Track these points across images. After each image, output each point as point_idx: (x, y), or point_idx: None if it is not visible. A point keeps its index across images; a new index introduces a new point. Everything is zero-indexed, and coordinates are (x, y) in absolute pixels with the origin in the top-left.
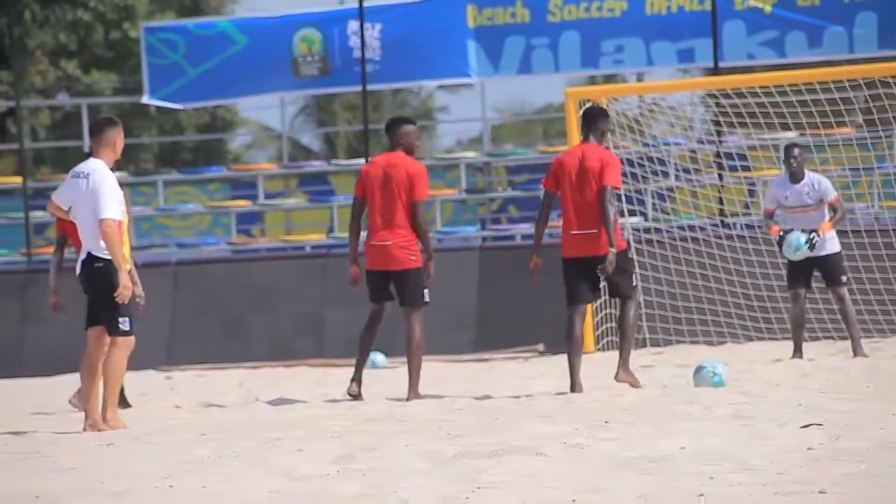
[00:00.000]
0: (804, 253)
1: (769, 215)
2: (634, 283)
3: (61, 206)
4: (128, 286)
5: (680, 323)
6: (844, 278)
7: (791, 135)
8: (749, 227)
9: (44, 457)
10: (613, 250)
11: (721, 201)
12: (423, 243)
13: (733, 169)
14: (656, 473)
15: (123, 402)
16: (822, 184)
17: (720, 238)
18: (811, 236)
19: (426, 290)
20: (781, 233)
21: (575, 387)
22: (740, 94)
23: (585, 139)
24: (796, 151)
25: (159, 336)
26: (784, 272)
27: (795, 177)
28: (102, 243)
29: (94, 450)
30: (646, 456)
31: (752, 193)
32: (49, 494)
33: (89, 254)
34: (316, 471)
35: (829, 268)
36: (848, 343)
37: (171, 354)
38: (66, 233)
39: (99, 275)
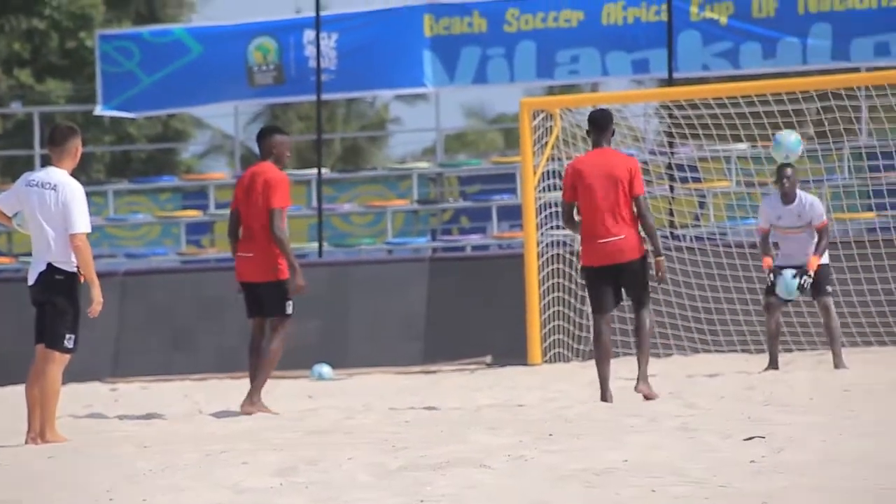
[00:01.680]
0: (797, 293)
1: (765, 235)
2: (650, 292)
3: (4, 212)
4: (100, 302)
5: (627, 335)
6: (830, 289)
7: (742, 146)
8: (699, 238)
9: None
10: (662, 258)
11: (671, 213)
12: (282, 253)
13: (684, 180)
14: (600, 486)
15: None
16: (815, 207)
17: (669, 250)
18: (803, 281)
19: (289, 303)
20: (772, 274)
21: (605, 396)
22: (693, 106)
23: (598, 144)
24: (789, 172)
25: (106, 347)
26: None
27: (788, 198)
28: (68, 256)
29: (34, 463)
30: (590, 468)
31: (702, 205)
32: None
33: (49, 265)
34: (260, 484)
35: (816, 279)
36: (816, 355)
37: (118, 366)
38: None
39: (57, 287)
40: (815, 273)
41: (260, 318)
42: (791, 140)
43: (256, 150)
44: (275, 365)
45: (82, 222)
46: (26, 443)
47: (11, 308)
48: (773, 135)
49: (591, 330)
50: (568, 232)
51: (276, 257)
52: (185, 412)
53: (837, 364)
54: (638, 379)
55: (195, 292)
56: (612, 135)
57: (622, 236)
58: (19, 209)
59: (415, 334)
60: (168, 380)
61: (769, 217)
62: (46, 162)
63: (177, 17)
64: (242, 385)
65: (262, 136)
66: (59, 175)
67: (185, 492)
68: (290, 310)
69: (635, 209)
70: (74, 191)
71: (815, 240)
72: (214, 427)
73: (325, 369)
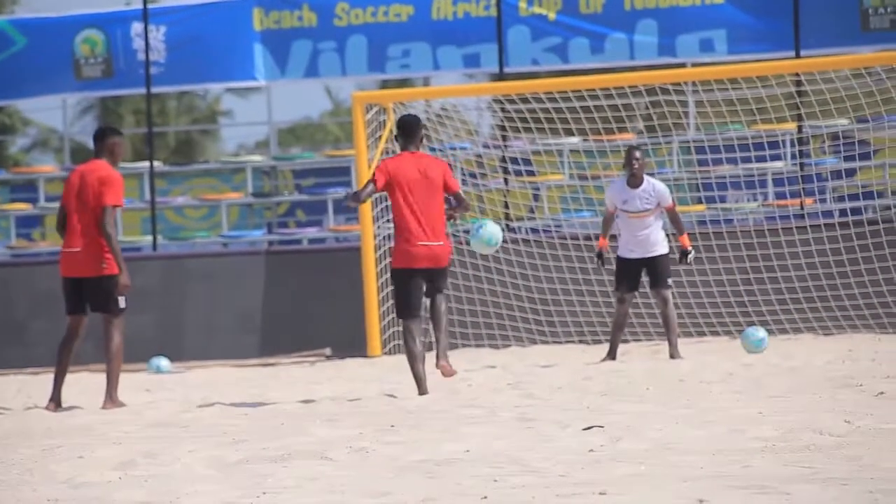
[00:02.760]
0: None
1: (609, 217)
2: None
3: None
4: None
5: (465, 326)
6: (670, 281)
7: (574, 140)
8: (534, 230)
9: None
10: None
11: (506, 206)
12: (110, 250)
13: (518, 174)
14: (441, 476)
15: None
16: (658, 188)
17: (505, 242)
18: (689, 259)
19: (121, 297)
20: (600, 257)
21: (423, 389)
22: (525, 100)
23: (405, 149)
24: (637, 154)
25: None
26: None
27: (635, 179)
28: None
29: None
30: (431, 459)
31: (536, 198)
32: None
33: None
34: (98, 478)
35: (656, 269)
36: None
37: None
38: None
39: None
40: (657, 263)
41: (80, 315)
42: (488, 232)
43: (86, 143)
44: (121, 359)
45: None
46: None
47: None
48: (475, 228)
49: (404, 335)
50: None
51: (103, 252)
52: (21, 407)
53: (673, 354)
54: (437, 356)
55: (28, 286)
56: (422, 140)
57: (441, 242)
58: None
59: (252, 327)
60: (1, 374)
61: (615, 201)
62: None
63: (0, 7)
64: (76, 379)
65: (101, 135)
66: None
67: (21, 486)
68: (123, 304)
69: (455, 202)
70: None
71: (660, 224)
72: (51, 422)
73: (163, 362)
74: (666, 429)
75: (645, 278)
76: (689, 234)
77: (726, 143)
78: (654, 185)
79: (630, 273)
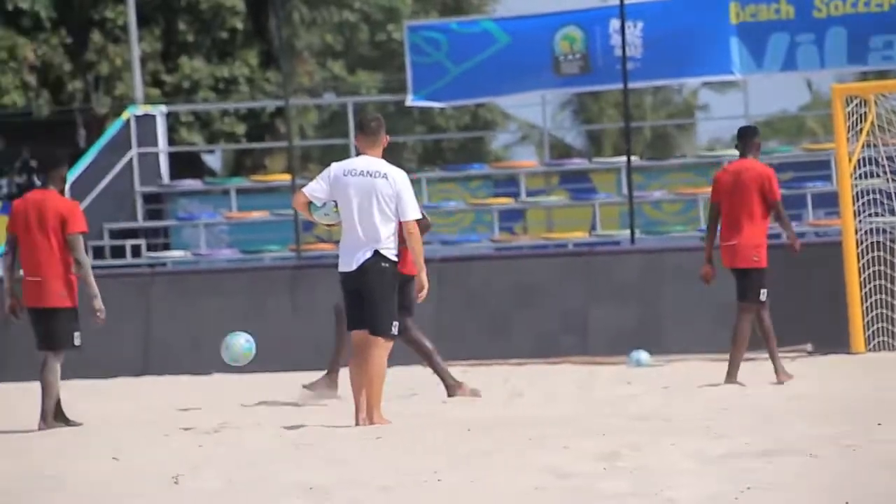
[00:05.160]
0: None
1: None
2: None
3: (316, 199)
4: (425, 286)
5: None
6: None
7: None
8: None
9: (319, 449)
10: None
11: None
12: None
13: None
14: None
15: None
16: None
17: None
18: None
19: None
20: None
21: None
22: None
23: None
24: None
25: (426, 332)
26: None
27: None
28: (393, 244)
29: (362, 443)
30: None
31: None
32: (321, 486)
33: (377, 252)
34: (583, 468)
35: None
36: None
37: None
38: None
39: (382, 275)
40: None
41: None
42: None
43: (564, 139)
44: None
45: (414, 210)
46: (357, 424)
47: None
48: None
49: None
50: (888, 219)
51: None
52: (505, 397)
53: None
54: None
55: (509, 279)
56: (758, 148)
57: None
58: (330, 199)
59: (729, 321)
60: (486, 364)
61: None
62: (359, 151)
63: (481, 7)
64: (560, 371)
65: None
66: (383, 164)
67: (509, 473)
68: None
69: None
70: (404, 179)
71: None
72: (534, 412)
73: (643, 356)
74: None
75: None
76: None
77: None
78: None
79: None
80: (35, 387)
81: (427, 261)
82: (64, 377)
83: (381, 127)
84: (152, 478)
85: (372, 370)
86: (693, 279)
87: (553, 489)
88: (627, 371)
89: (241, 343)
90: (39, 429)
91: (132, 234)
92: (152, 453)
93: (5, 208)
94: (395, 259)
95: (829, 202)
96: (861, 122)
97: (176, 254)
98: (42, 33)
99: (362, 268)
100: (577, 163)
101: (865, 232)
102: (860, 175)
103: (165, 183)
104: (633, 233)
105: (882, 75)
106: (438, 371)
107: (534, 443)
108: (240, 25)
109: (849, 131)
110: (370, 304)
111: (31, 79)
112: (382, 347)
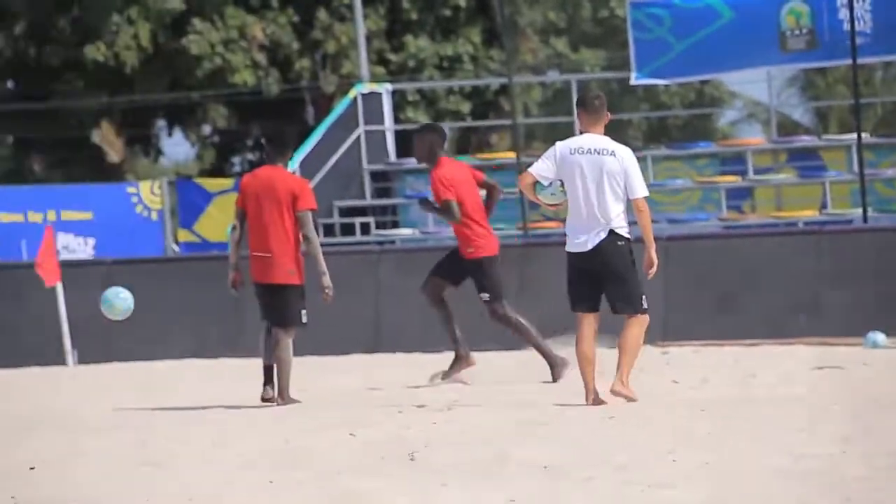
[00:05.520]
0: None
1: None
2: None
3: (543, 179)
4: (654, 262)
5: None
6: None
7: None
8: None
9: (552, 428)
10: None
11: None
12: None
13: None
14: None
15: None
16: None
17: None
18: None
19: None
20: None
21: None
22: None
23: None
24: None
25: (653, 311)
26: None
27: None
28: (625, 222)
29: (594, 423)
30: None
31: None
32: (558, 465)
33: (612, 231)
34: (820, 451)
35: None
36: None
37: (667, 329)
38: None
39: (619, 254)
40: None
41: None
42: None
43: (791, 115)
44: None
45: (642, 186)
46: (590, 403)
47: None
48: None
49: None
50: None
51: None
52: (737, 378)
53: None
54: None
55: (736, 258)
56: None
57: None
58: (557, 178)
59: None
60: (718, 344)
61: None
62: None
63: None
64: (792, 352)
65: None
66: (608, 141)
67: (746, 456)
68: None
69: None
70: (631, 155)
71: None
72: (767, 393)
73: (880, 337)
74: None
75: None
76: None
77: None
78: None
79: None
80: (257, 363)
81: (655, 238)
82: (297, 354)
83: (604, 105)
84: (390, 455)
85: (628, 344)
86: None
87: (792, 471)
88: (864, 352)
89: (121, 303)
90: (277, 405)
91: (361, 211)
92: (387, 430)
93: (236, 186)
94: (629, 236)
95: None
96: None
97: (404, 231)
98: (270, 12)
99: (599, 248)
100: (806, 140)
101: None
102: None
103: (392, 161)
104: (864, 211)
105: None
106: (540, 350)
107: (769, 423)
108: (463, 3)
109: None
110: (617, 285)
111: (261, 57)
112: (639, 324)
